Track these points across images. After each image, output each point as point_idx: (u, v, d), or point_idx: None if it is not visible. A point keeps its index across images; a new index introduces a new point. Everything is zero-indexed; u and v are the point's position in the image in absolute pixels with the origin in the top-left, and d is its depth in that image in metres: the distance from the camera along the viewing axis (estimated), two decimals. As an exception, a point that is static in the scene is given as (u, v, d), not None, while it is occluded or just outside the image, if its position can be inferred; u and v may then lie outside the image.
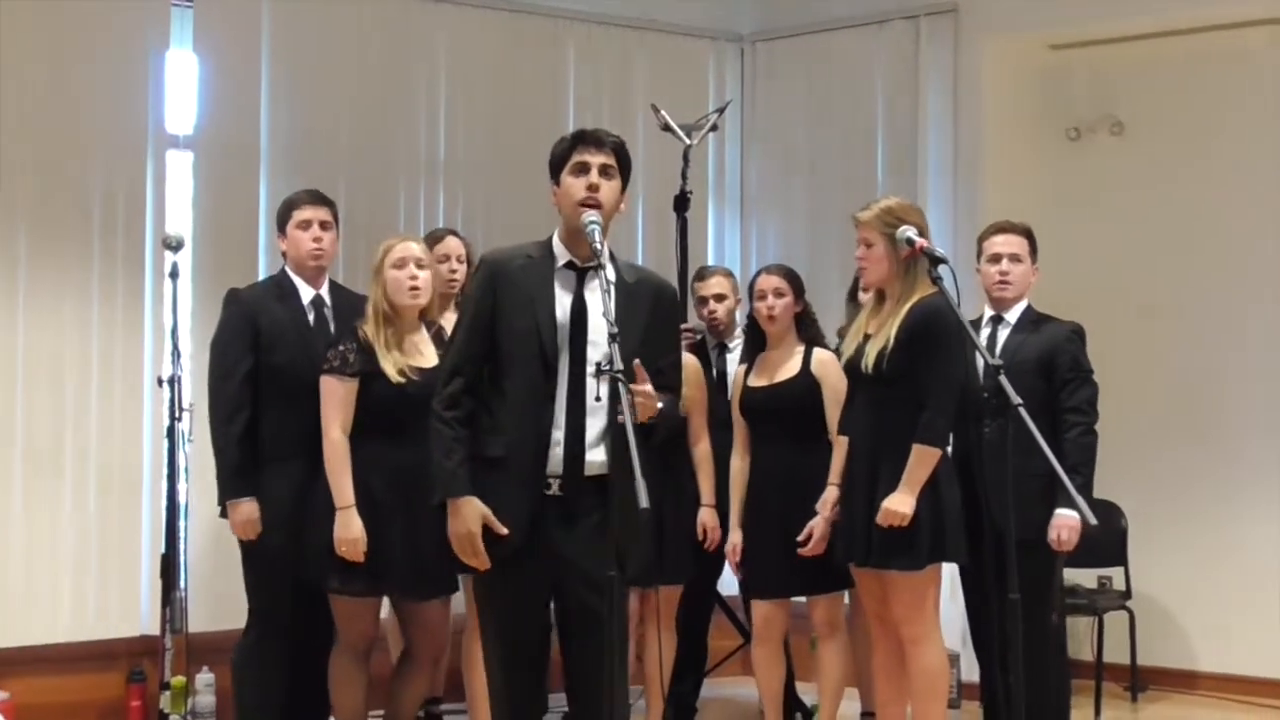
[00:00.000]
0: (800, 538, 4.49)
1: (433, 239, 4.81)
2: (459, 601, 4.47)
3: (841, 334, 4.80)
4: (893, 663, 4.27)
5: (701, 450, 4.87)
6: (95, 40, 5.31)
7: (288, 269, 4.52)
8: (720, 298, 5.23)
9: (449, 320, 4.38)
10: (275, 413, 4.34)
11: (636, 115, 6.10)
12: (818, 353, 4.73)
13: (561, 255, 3.45)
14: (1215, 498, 5.99)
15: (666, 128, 5.55)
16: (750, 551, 4.73)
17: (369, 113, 5.83)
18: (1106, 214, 6.22)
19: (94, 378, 5.29)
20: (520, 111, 6.04)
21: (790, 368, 4.73)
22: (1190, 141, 6.09)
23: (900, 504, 4.01)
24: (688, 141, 5.54)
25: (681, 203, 5.50)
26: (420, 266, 4.26)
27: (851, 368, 4.22)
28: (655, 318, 3.47)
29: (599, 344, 3.33)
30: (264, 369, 4.36)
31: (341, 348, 4.20)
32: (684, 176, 5.51)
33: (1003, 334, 4.56)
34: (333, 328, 4.45)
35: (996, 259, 4.57)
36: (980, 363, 4.20)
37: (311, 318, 4.47)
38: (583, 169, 3.41)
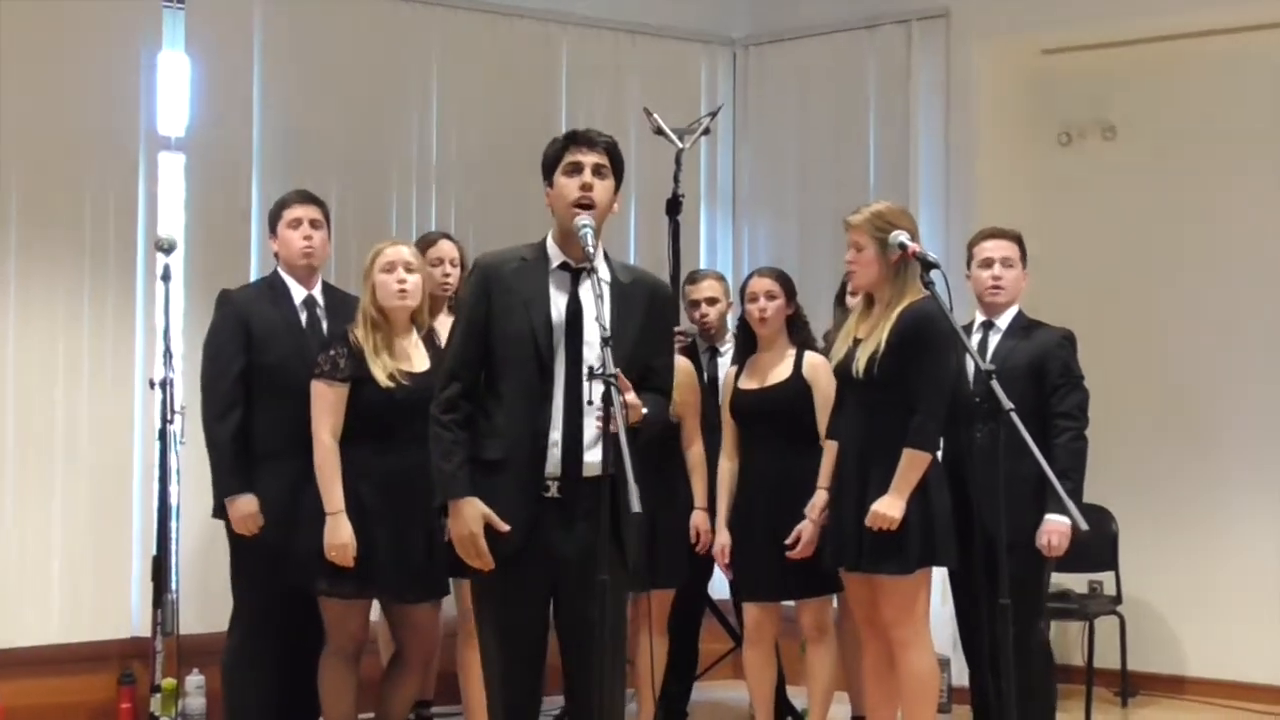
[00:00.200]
0: (788, 541, 4.49)
1: (426, 242, 4.80)
2: (449, 605, 4.47)
3: (828, 338, 4.79)
4: (882, 666, 4.27)
5: (695, 454, 4.87)
6: (87, 42, 5.30)
7: (280, 270, 4.53)
8: (712, 301, 5.23)
9: (443, 324, 4.39)
10: (268, 412, 4.34)
11: (629, 119, 6.11)
12: (809, 356, 4.72)
13: (556, 257, 3.45)
14: (1206, 502, 5.99)
15: (659, 131, 5.55)
16: (741, 554, 4.72)
17: (362, 115, 5.82)
18: (1098, 218, 6.23)
19: (86, 380, 5.28)
20: (513, 115, 6.04)
21: (781, 371, 4.72)
22: (1181, 145, 6.09)
23: (890, 507, 4.02)
24: (680, 145, 5.53)
25: (674, 206, 5.49)
26: (409, 270, 4.26)
27: (842, 372, 4.22)
28: (650, 318, 3.48)
29: (595, 345, 3.32)
30: (256, 369, 4.36)
31: (332, 352, 4.20)
32: (676, 180, 5.50)
33: (994, 339, 4.55)
34: (325, 328, 4.46)
35: (988, 264, 4.56)
36: (971, 367, 4.21)
37: (304, 318, 4.47)
38: (576, 169, 3.41)
